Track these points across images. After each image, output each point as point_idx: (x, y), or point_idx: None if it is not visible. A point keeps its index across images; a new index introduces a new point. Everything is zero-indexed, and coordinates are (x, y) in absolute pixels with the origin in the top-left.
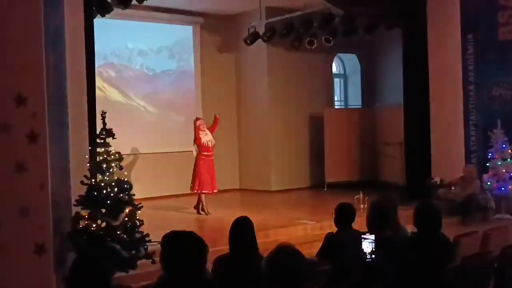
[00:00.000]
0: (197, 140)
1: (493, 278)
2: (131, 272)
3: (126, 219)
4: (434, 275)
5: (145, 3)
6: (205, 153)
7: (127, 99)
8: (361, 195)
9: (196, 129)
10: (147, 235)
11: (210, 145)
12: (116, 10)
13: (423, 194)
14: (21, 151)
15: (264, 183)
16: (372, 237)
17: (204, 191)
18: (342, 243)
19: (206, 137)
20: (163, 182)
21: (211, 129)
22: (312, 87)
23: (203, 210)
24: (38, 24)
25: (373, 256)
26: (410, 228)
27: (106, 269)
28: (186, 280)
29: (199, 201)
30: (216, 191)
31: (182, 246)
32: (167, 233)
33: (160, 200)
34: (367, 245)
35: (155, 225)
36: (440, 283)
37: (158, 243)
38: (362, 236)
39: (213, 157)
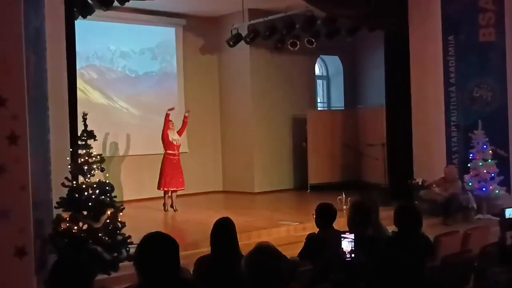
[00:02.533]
0: (164, 136)
1: (473, 277)
2: (113, 274)
3: (108, 221)
4: (414, 274)
5: (127, 4)
6: (170, 152)
7: (109, 101)
8: (344, 196)
9: (166, 125)
10: (129, 237)
11: (176, 144)
12: (98, 12)
13: (406, 194)
14: (1, 153)
15: (247, 185)
16: (352, 236)
17: (167, 188)
18: (323, 243)
19: (174, 136)
20: (145, 184)
21: (181, 130)
22: (295, 89)
23: (171, 207)
24: (19, 25)
25: (353, 255)
26: (392, 229)
27: (87, 271)
28: (162, 281)
29: (165, 199)
30: (182, 188)
31: (152, 248)
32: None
33: (142, 202)
34: (347, 244)
35: (136, 227)
36: (420, 281)
37: None
38: (342, 235)
39: (178, 157)
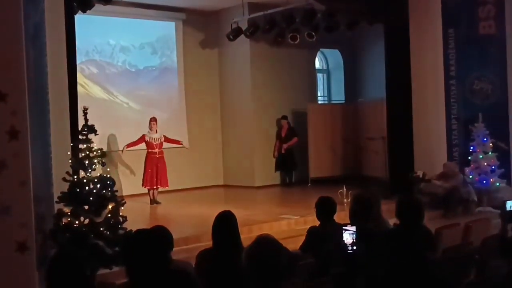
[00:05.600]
0: (139, 141)
1: (474, 269)
2: (115, 268)
3: (109, 215)
4: (416, 266)
5: None
6: (150, 150)
7: (109, 96)
8: (344, 189)
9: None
10: (131, 231)
11: (155, 143)
12: (98, 6)
13: (406, 188)
14: (1, 148)
15: (247, 179)
16: (353, 228)
17: (147, 187)
18: (324, 235)
19: (153, 135)
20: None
21: (169, 140)
22: (295, 83)
23: (155, 202)
24: (18, 20)
25: (354, 247)
26: (392, 222)
27: (83, 263)
28: (150, 277)
29: (149, 194)
30: (162, 187)
31: (133, 248)
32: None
33: (143, 196)
34: (348, 237)
35: (138, 222)
36: (421, 274)
37: None
38: (343, 227)
39: (161, 154)
